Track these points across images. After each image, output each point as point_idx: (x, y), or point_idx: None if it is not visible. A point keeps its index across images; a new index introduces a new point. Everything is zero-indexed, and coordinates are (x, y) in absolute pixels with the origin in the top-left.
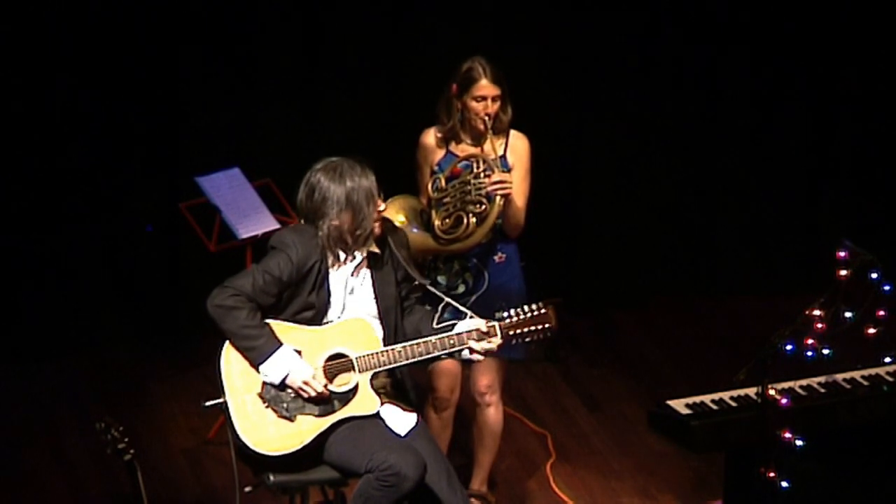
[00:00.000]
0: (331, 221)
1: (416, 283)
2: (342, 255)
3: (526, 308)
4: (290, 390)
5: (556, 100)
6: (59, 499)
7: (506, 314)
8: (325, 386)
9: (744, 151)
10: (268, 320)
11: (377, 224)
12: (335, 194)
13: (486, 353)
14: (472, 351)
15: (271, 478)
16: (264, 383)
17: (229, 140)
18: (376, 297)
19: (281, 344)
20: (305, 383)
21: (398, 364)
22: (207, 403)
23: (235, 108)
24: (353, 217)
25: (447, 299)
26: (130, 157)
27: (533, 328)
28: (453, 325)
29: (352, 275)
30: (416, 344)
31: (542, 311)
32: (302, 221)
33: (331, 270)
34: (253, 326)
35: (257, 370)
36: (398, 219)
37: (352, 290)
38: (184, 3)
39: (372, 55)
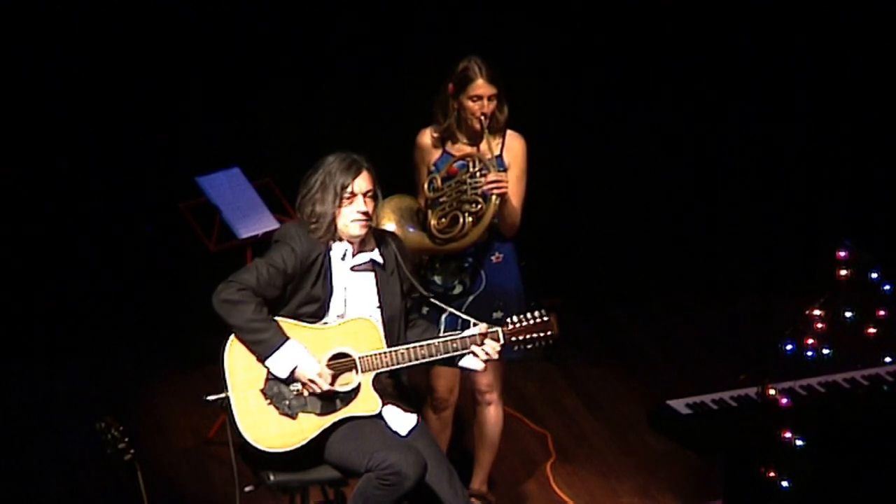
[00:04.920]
0: (305, 201)
1: (420, 295)
2: (336, 246)
3: (529, 315)
4: (292, 388)
5: (554, 99)
6: (59, 499)
7: (509, 320)
8: (325, 391)
9: (744, 151)
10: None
11: (355, 223)
12: (312, 177)
13: (489, 358)
14: (475, 354)
15: (271, 477)
16: (267, 380)
17: (229, 140)
18: (381, 306)
19: (288, 338)
20: (312, 381)
21: (401, 366)
22: (210, 398)
23: (235, 108)
24: (314, 204)
25: (450, 309)
26: (130, 157)
27: (535, 335)
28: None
29: (352, 269)
30: (420, 346)
31: (545, 318)
32: None
33: (333, 264)
34: (260, 320)
35: (264, 364)
36: (391, 219)
37: (352, 287)
38: (184, 2)
39: (371, 55)
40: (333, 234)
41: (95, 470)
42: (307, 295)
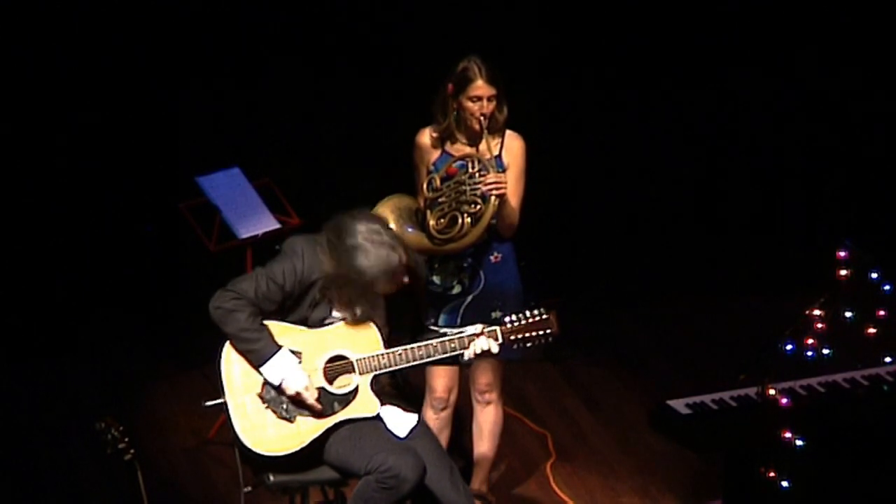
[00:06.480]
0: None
1: (416, 323)
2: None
3: (528, 313)
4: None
5: (553, 99)
6: (60, 499)
7: (507, 319)
8: (317, 399)
9: (744, 151)
10: (270, 321)
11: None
12: (364, 267)
13: (486, 356)
14: (474, 354)
15: (271, 478)
16: (264, 384)
17: (229, 140)
18: (388, 326)
19: (280, 347)
20: (298, 394)
21: (399, 367)
22: (208, 403)
23: (235, 108)
24: (354, 287)
25: (444, 329)
26: (130, 157)
27: (535, 333)
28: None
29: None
30: (417, 347)
31: (545, 316)
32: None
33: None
34: (252, 329)
35: (258, 371)
36: (390, 219)
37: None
38: (183, 2)
39: (371, 55)
40: None
41: (95, 470)
42: (301, 316)
